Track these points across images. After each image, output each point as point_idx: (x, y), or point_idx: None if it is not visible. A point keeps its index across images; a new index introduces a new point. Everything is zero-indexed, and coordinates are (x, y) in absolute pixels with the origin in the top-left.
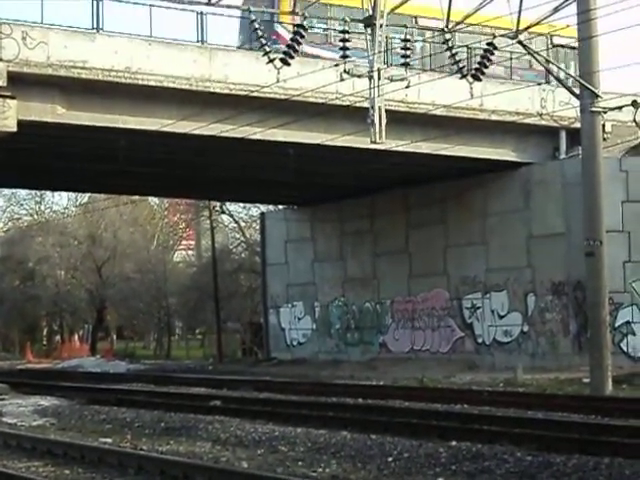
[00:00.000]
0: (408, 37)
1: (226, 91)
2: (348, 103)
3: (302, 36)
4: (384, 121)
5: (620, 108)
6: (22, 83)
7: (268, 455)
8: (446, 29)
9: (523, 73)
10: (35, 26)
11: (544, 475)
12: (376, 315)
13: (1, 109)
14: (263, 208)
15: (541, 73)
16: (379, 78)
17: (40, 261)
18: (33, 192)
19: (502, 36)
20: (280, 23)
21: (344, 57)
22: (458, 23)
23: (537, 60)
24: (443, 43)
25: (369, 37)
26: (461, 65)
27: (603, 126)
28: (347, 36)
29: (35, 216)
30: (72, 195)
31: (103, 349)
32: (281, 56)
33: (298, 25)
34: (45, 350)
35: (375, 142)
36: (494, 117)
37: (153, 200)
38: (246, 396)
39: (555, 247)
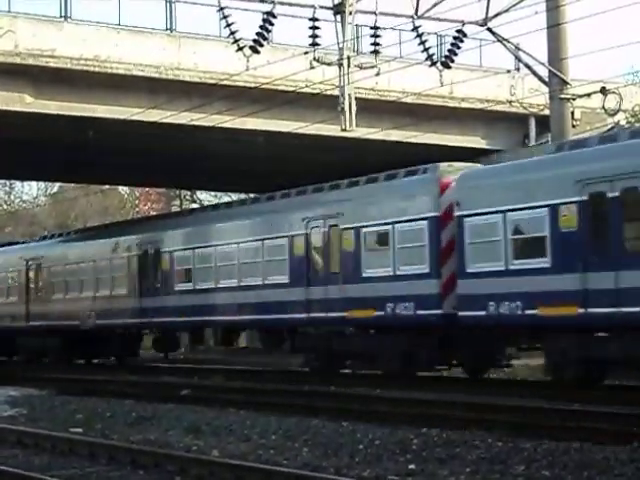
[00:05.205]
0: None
1: (196, 79)
2: (318, 91)
3: (271, 24)
4: (354, 109)
5: (589, 95)
6: None
7: (240, 443)
8: (415, 16)
9: None
10: (2, 14)
11: (515, 460)
12: None
13: None
14: (234, 196)
15: None
16: (349, 66)
17: None
18: (2, 182)
19: (471, 23)
20: None
21: (313, 45)
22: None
23: (506, 47)
24: (412, 30)
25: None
26: (431, 53)
27: (572, 113)
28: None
29: (4, 206)
30: (42, 185)
31: None
32: (250, 44)
33: (267, 13)
34: None
35: (345, 130)
36: (464, 105)
37: (124, 189)
38: (217, 385)
39: None
